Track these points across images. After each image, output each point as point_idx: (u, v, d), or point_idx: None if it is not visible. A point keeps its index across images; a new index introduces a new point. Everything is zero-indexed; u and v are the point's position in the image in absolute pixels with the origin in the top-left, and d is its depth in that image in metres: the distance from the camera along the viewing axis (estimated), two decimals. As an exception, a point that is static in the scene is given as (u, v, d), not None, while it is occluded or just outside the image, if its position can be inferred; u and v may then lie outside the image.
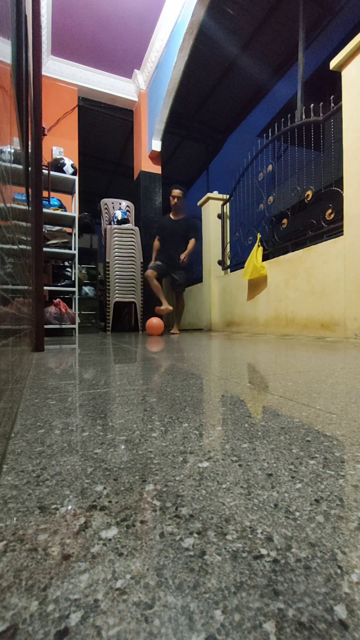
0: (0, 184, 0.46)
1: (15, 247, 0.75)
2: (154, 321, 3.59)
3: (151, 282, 3.86)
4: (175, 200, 3.83)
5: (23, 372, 0.97)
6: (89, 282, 4.92)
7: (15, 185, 0.80)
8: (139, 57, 4.84)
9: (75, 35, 4.39)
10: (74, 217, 3.80)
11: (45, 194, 3.39)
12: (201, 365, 1.22)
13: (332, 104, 2.70)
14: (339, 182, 2.56)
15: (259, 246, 3.59)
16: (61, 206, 3.88)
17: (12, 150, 0.74)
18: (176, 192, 3.84)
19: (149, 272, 3.87)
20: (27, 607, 0.19)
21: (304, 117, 3.09)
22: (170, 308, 3.85)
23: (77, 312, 3.84)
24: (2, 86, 0.51)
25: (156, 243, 4.07)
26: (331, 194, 2.70)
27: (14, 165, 0.76)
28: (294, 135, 3.20)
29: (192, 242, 3.84)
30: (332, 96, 2.69)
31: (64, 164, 3.80)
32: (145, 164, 5.18)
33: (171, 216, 3.95)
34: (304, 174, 3.21)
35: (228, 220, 4.70)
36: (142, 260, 4.64)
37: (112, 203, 4.90)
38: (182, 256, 3.81)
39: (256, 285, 3.69)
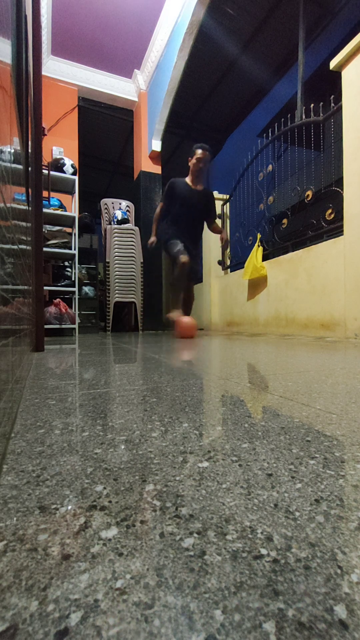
0: (0, 184, 0.46)
1: (15, 247, 0.75)
2: (186, 321, 2.74)
3: (185, 277, 2.85)
4: (201, 164, 2.89)
5: (23, 372, 0.97)
6: (89, 282, 4.92)
7: (15, 185, 0.80)
8: (139, 57, 4.84)
9: (75, 35, 4.39)
10: (74, 217, 3.80)
11: (45, 194, 3.39)
12: (201, 365, 1.22)
13: (332, 104, 2.70)
14: (339, 182, 2.56)
15: (259, 246, 3.59)
16: (61, 206, 3.87)
17: (12, 150, 0.74)
18: (201, 152, 2.87)
19: (187, 257, 2.79)
20: (27, 607, 0.19)
21: (304, 117, 3.09)
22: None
23: (77, 312, 3.84)
24: (2, 86, 0.51)
25: (158, 212, 3.13)
26: (331, 194, 2.70)
27: (14, 165, 0.76)
28: (294, 135, 3.20)
29: (219, 223, 2.91)
30: (332, 96, 2.69)
31: (64, 164, 3.80)
32: (145, 164, 5.18)
33: (189, 182, 3.01)
34: (304, 174, 3.21)
35: (228, 220, 4.70)
36: (142, 260, 4.64)
37: (112, 203, 4.91)
38: (223, 235, 3.04)
39: (256, 285, 3.69)
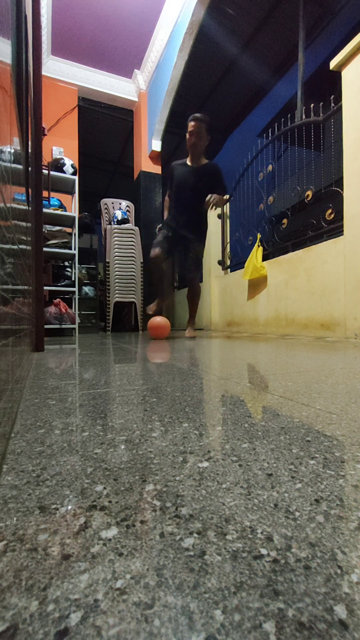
0: (0, 184, 0.46)
1: (15, 247, 0.75)
2: (158, 320, 2.59)
3: (156, 267, 2.69)
4: (193, 138, 2.52)
5: (23, 372, 0.97)
6: (89, 282, 4.92)
7: (15, 185, 0.80)
8: (139, 57, 4.84)
9: (75, 35, 4.39)
10: (74, 217, 3.80)
11: (45, 194, 3.39)
12: (201, 365, 1.22)
13: (332, 104, 2.70)
14: (339, 182, 2.56)
15: (259, 246, 3.59)
16: (61, 206, 3.88)
17: (12, 150, 0.74)
18: (192, 124, 2.52)
19: (156, 253, 2.64)
20: (27, 607, 0.19)
21: (304, 117, 3.09)
22: (157, 310, 2.81)
23: (77, 312, 3.84)
24: (2, 86, 0.51)
25: (167, 200, 2.93)
26: (331, 194, 2.70)
27: (14, 165, 0.76)
28: (294, 135, 3.20)
29: (218, 197, 2.53)
30: (332, 96, 2.69)
31: (64, 164, 3.80)
32: (145, 164, 5.18)
33: (187, 161, 2.74)
34: (304, 174, 3.21)
35: (228, 220, 4.70)
36: (142, 260, 4.64)
37: (112, 203, 4.91)
38: (210, 199, 2.54)
39: (256, 285, 3.69)
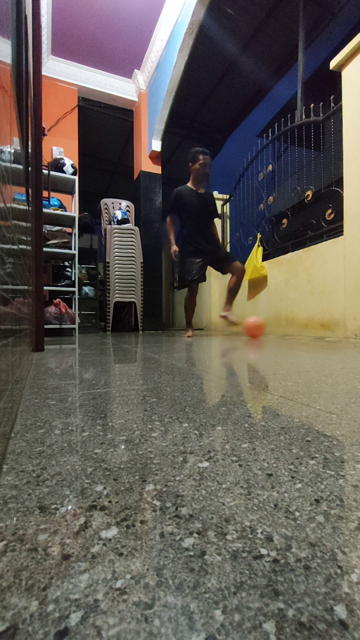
0: (0, 184, 0.46)
1: (15, 247, 0.75)
2: (253, 320, 2.77)
3: (192, 298, 3.08)
4: (206, 169, 3.03)
5: (23, 372, 0.97)
6: (89, 282, 4.92)
7: (15, 185, 0.80)
8: (139, 57, 4.84)
9: (75, 35, 4.39)
10: (74, 217, 3.80)
11: (45, 194, 3.39)
12: (201, 365, 1.22)
13: (332, 104, 2.70)
14: (339, 182, 2.56)
15: (258, 246, 3.59)
16: (61, 206, 3.87)
17: (12, 150, 0.74)
18: (208, 158, 3.02)
19: (196, 286, 3.04)
20: (27, 607, 0.19)
21: (304, 117, 3.09)
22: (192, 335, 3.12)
23: (77, 312, 3.84)
24: (2, 86, 0.51)
25: (169, 222, 3.24)
26: (331, 194, 2.70)
27: (14, 165, 0.76)
28: (294, 135, 3.20)
29: (218, 223, 3.05)
30: (332, 96, 2.69)
31: (64, 164, 3.80)
32: (145, 164, 5.18)
33: (192, 187, 3.12)
34: (304, 174, 3.21)
35: (228, 220, 4.70)
36: (142, 260, 4.64)
37: (112, 203, 4.90)
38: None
39: (256, 285, 3.69)
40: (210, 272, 4.78)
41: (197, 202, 3.09)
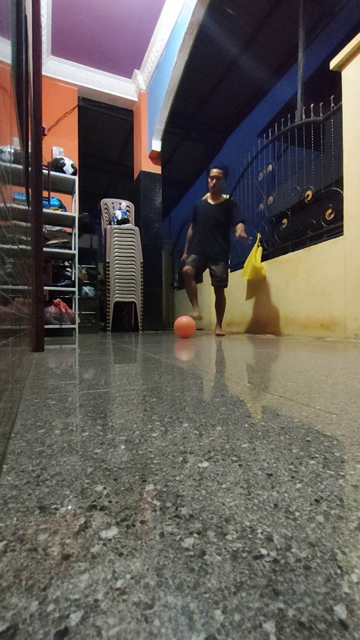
0: (0, 184, 0.46)
1: (15, 247, 0.75)
2: (184, 320, 2.94)
3: (189, 282, 3.35)
4: (215, 181, 3.31)
5: (23, 372, 0.97)
6: (89, 282, 4.92)
7: (15, 185, 0.80)
8: (139, 57, 4.84)
9: (75, 35, 4.39)
10: (74, 217, 3.80)
11: (45, 194, 3.39)
12: (201, 365, 1.22)
13: (332, 104, 2.70)
14: (339, 182, 2.56)
15: (258, 246, 3.59)
16: (61, 206, 3.87)
17: (12, 150, 0.74)
18: (215, 171, 3.33)
19: (188, 268, 3.32)
20: (27, 607, 0.19)
21: (304, 117, 3.09)
22: (202, 316, 3.38)
23: (77, 312, 3.84)
24: (2, 86, 0.51)
25: (190, 233, 3.61)
26: (331, 194, 2.70)
27: (14, 165, 0.76)
28: (294, 135, 3.20)
29: (242, 225, 3.27)
30: (332, 96, 2.69)
31: (64, 164, 3.80)
32: (145, 164, 5.18)
33: (209, 200, 3.45)
34: (304, 174, 3.21)
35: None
36: (142, 260, 4.64)
37: (112, 203, 4.90)
38: (239, 232, 3.20)
39: (256, 285, 3.69)
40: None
41: (206, 212, 3.40)
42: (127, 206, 4.98)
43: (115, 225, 4.53)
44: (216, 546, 0.24)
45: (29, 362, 1.34)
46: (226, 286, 3.41)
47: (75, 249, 3.76)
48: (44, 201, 2.83)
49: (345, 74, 2.48)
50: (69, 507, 0.30)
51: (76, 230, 3.81)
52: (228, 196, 3.56)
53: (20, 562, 0.23)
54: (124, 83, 5.23)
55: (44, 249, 3.44)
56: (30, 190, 1.75)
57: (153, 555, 0.24)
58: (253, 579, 0.21)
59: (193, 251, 3.45)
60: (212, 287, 3.61)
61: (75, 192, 3.94)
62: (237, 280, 4.08)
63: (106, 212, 4.83)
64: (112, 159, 7.24)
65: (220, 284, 3.40)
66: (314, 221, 2.92)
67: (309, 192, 3.00)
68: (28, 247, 1.48)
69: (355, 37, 2.34)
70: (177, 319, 3.00)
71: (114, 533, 0.26)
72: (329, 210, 2.74)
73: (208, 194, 3.48)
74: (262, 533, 0.26)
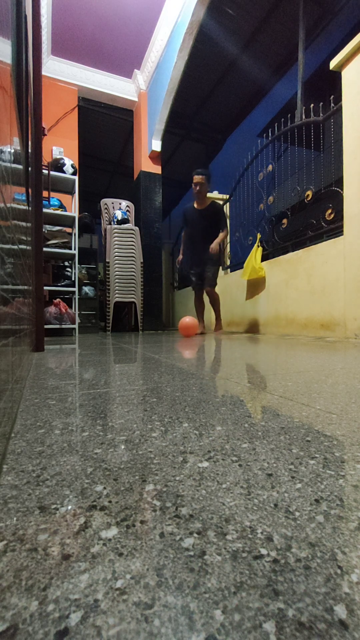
0: (0, 184, 0.46)
1: (15, 247, 0.75)
2: (187, 320, 3.07)
3: (197, 300, 3.68)
4: (198, 187, 3.37)
5: (23, 372, 0.97)
6: (89, 282, 4.92)
7: (15, 185, 0.80)
8: (139, 57, 4.84)
9: (75, 35, 4.39)
10: (74, 217, 3.80)
11: (45, 194, 3.39)
12: (201, 365, 1.22)
13: (332, 104, 2.70)
14: (339, 182, 2.56)
15: (258, 246, 3.59)
16: (61, 206, 3.87)
17: (12, 150, 0.74)
18: (197, 178, 3.37)
19: (195, 288, 3.64)
20: (27, 607, 0.19)
21: (304, 117, 3.09)
22: (205, 332, 3.59)
23: (77, 312, 3.84)
24: (2, 86, 0.51)
25: (184, 235, 3.80)
26: (331, 194, 2.70)
27: (14, 165, 0.76)
28: (294, 135, 3.20)
29: (222, 233, 3.41)
30: (332, 96, 2.69)
31: (64, 164, 3.80)
32: (145, 164, 5.18)
33: (195, 205, 3.54)
34: (304, 174, 3.21)
35: (228, 221, 4.70)
36: (142, 260, 4.64)
37: (112, 203, 4.90)
38: (212, 246, 3.37)
39: (256, 285, 3.69)
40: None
41: (193, 218, 3.56)
42: (127, 206, 4.98)
43: (115, 225, 4.53)
44: (216, 546, 0.24)
45: (29, 362, 1.34)
46: (214, 285, 3.54)
47: (75, 249, 3.76)
48: (44, 201, 2.83)
49: (345, 74, 2.48)
50: (69, 507, 0.30)
51: (76, 230, 3.81)
52: (220, 198, 3.69)
53: (20, 562, 0.23)
54: (124, 83, 5.24)
55: (44, 249, 3.44)
56: (30, 190, 1.75)
57: (153, 555, 0.24)
58: (253, 579, 0.21)
59: (185, 263, 3.73)
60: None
61: (75, 192, 3.94)
62: (237, 280, 4.08)
63: (106, 212, 4.83)
64: (112, 159, 7.24)
65: (208, 284, 3.54)
66: (314, 221, 2.92)
67: (309, 192, 2.99)
68: (28, 247, 1.48)
69: (355, 37, 2.34)
70: (181, 320, 3.17)
71: (114, 533, 0.26)
72: (329, 210, 2.74)
73: (194, 202, 3.61)
74: (262, 533, 0.26)
